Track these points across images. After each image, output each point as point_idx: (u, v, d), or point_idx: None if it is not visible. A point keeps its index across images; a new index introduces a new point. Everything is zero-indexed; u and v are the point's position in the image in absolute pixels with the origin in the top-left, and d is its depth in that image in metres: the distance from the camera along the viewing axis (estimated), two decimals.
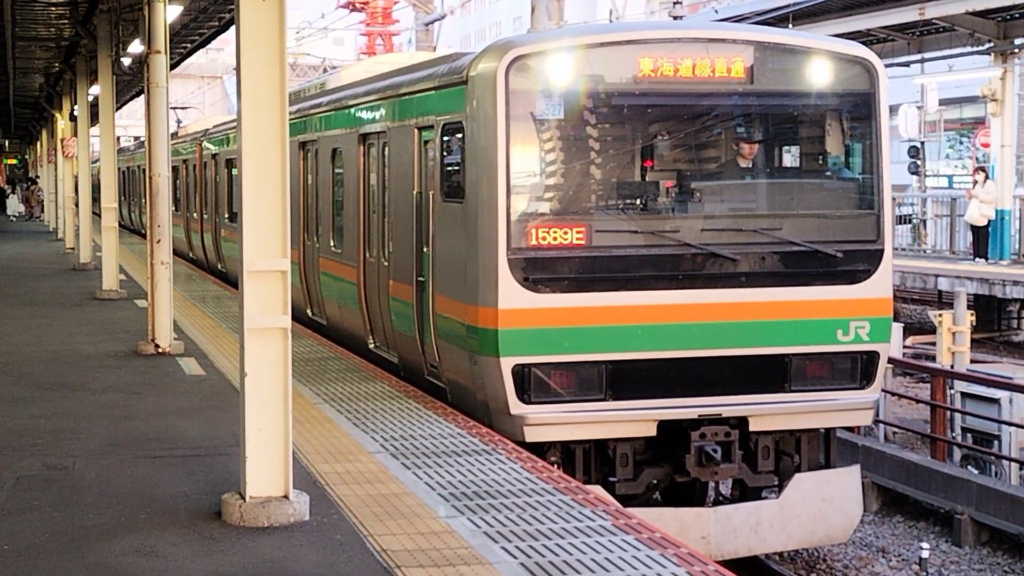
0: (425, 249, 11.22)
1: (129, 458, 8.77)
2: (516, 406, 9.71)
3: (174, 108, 38.14)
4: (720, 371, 10.07)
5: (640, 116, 10.47)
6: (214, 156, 24.29)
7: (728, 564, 8.28)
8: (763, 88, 10.46)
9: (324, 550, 6.66)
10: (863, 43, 12.46)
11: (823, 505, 10.35)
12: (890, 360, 13.81)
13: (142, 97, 18.24)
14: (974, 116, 47.21)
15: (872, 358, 10.44)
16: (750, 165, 10.68)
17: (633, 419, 9.88)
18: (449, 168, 10.74)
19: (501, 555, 6.52)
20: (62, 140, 31.78)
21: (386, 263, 12.45)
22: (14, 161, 71.35)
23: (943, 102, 37.08)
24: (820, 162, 11.23)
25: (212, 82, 79.38)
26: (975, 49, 28.11)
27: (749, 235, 10.28)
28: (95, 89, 23.58)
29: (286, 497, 7.15)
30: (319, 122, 15.52)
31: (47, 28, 25.28)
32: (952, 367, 15.84)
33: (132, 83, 34.22)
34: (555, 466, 9.18)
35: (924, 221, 32.24)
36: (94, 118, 32.70)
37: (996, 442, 14.51)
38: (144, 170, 16.24)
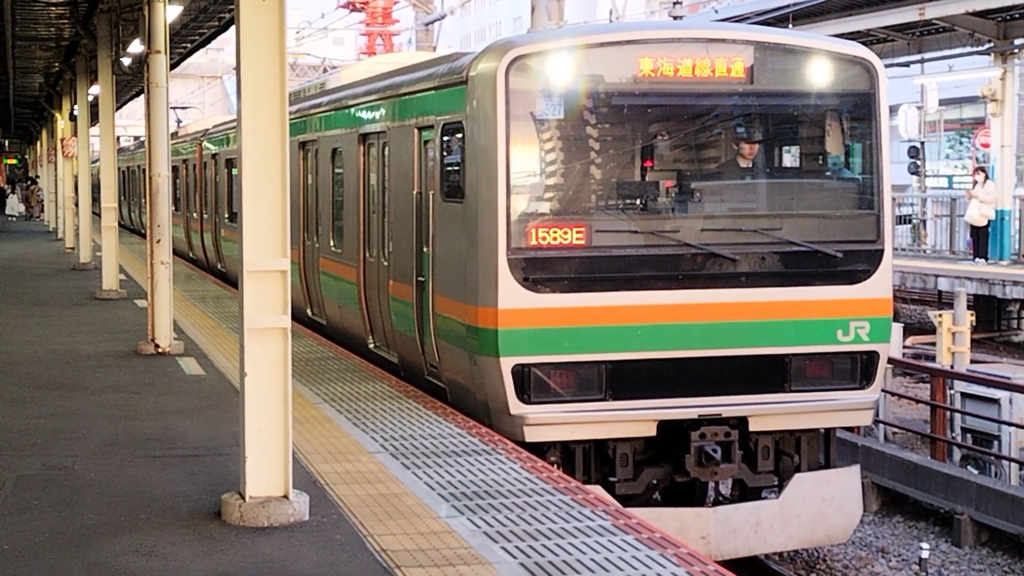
0: (425, 249, 11.22)
1: (129, 458, 8.77)
2: (516, 406, 9.71)
3: (174, 108, 38.14)
4: (720, 371, 10.07)
5: (640, 116, 10.47)
6: (214, 156, 24.28)
7: (728, 564, 8.27)
8: (763, 88, 10.47)
9: (324, 550, 6.65)
10: (863, 43, 12.46)
11: (823, 505, 10.35)
12: (890, 360, 13.81)
13: (142, 97, 18.25)
14: (974, 116, 47.21)
15: (872, 358, 10.44)
16: (750, 165, 10.68)
17: (633, 419, 9.88)
18: (449, 168, 10.74)
19: (501, 555, 6.52)
20: (62, 140, 31.79)
21: (386, 263, 12.45)
22: (14, 161, 71.34)
23: (943, 102, 37.08)
24: (820, 162, 11.23)
25: (212, 82, 79.39)
26: (975, 49, 28.12)
27: (749, 235, 10.28)
28: (95, 89, 23.58)
29: (286, 497, 7.15)
30: (319, 122, 15.52)
31: (47, 28, 25.29)
32: (952, 367, 15.85)
33: (132, 83, 34.23)
34: (555, 466, 9.18)
35: (924, 221, 32.26)
36: (94, 118, 32.71)
37: (996, 442, 14.51)
38: (144, 170, 16.25)
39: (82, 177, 24.47)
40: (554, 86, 9.86)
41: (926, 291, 27.84)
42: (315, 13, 64.18)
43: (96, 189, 25.66)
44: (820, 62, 10.45)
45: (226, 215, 22.54)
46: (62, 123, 34.35)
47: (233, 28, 8.76)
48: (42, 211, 51.25)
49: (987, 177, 27.03)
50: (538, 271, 9.73)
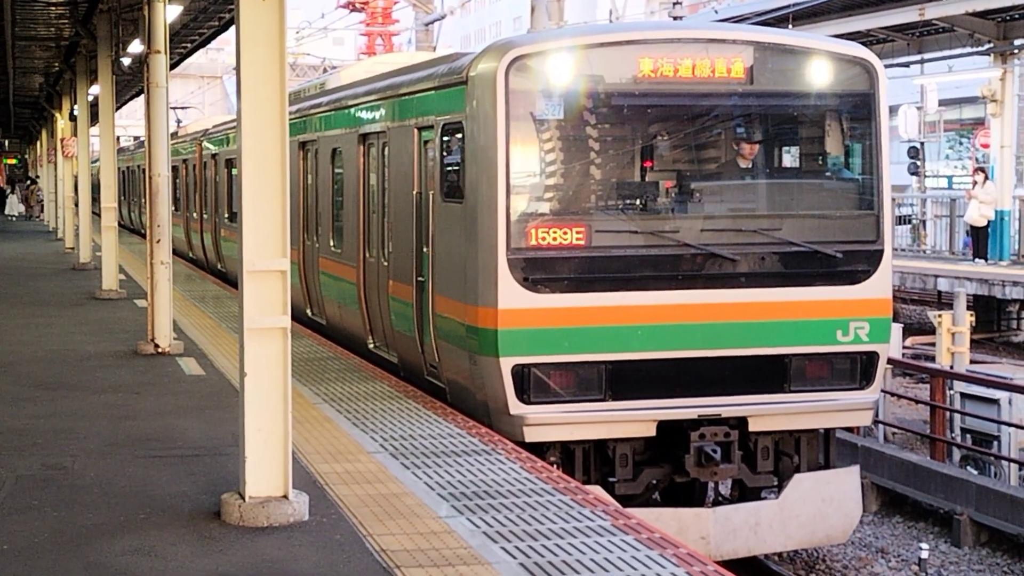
0: (425, 249, 11.22)
1: (128, 458, 8.77)
2: (516, 406, 9.71)
3: (174, 108, 38.13)
4: (720, 371, 10.07)
5: (640, 116, 10.47)
6: (214, 156, 24.28)
7: (727, 564, 8.27)
8: (763, 88, 10.47)
9: (323, 550, 6.66)
10: (863, 44, 12.47)
11: (822, 505, 10.35)
12: (890, 360, 13.81)
13: (142, 97, 18.24)
14: (974, 117, 47.21)
15: (872, 358, 10.44)
16: (750, 165, 10.68)
17: (632, 419, 9.88)
18: (449, 168, 10.74)
19: (500, 555, 6.52)
20: (62, 140, 31.79)
21: (386, 263, 12.45)
22: (14, 161, 71.31)
23: (943, 103, 37.07)
24: (820, 162, 11.23)
25: (212, 82, 79.39)
26: (975, 50, 28.11)
27: (749, 235, 10.28)
28: (95, 89, 23.58)
29: (285, 497, 7.15)
30: (319, 122, 15.52)
31: (47, 28, 25.28)
32: (951, 368, 15.85)
33: (132, 83, 34.22)
34: (554, 466, 9.18)
35: (924, 222, 32.26)
36: (94, 118, 32.71)
37: (995, 443, 14.52)
38: (144, 170, 16.25)
39: (82, 177, 24.47)
40: (554, 86, 9.86)
41: (926, 291, 27.84)
42: (315, 13, 64.23)
43: (96, 189, 25.66)
44: (820, 62, 10.45)
45: (226, 215, 22.54)
46: (62, 123, 34.35)
47: (233, 28, 8.76)
48: (42, 211, 51.25)
49: (987, 177, 27.03)
50: (538, 271, 9.73)
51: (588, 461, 10.03)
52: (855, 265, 10.40)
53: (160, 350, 13.64)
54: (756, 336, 10.12)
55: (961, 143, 50.24)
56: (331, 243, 14.73)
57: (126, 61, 24.12)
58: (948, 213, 30.76)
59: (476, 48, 10.92)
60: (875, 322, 10.42)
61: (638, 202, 10.29)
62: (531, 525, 7.06)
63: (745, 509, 10.19)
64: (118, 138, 32.02)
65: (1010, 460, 14.13)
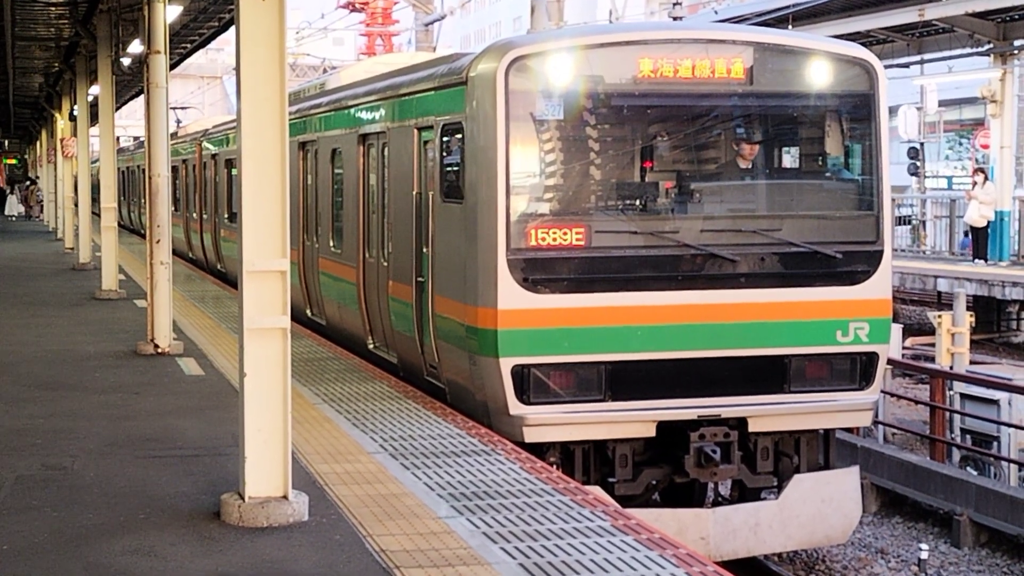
0: (424, 249, 11.22)
1: (128, 458, 8.77)
2: (515, 406, 9.71)
3: (174, 108, 38.14)
4: (719, 372, 10.07)
5: (640, 117, 10.47)
6: (214, 156, 24.28)
7: (727, 565, 8.28)
8: (763, 89, 10.47)
9: (323, 550, 6.66)
10: (863, 44, 12.47)
11: (822, 506, 10.35)
12: (889, 361, 13.81)
13: (142, 97, 18.24)
14: (974, 117, 47.18)
15: (871, 359, 10.44)
16: (750, 166, 10.68)
17: (632, 420, 9.88)
18: (449, 168, 10.74)
19: (500, 555, 6.52)
20: (62, 140, 31.79)
21: (385, 263, 12.45)
22: (14, 161, 71.34)
23: (943, 103, 37.06)
24: (820, 163, 11.23)
25: (212, 82, 79.40)
26: (975, 50, 28.10)
27: (748, 236, 10.28)
28: (95, 89, 23.58)
29: (285, 497, 7.15)
30: (319, 122, 15.52)
31: (47, 28, 25.28)
32: (951, 368, 15.85)
33: (132, 83, 34.21)
34: (554, 467, 9.18)
35: (923, 222, 32.25)
36: (94, 118, 32.71)
37: (995, 443, 14.52)
38: (144, 170, 16.25)
39: (82, 177, 24.47)
40: (554, 87, 9.87)
41: (925, 292, 27.84)
42: (315, 13, 64.18)
43: (96, 189, 25.66)
44: (820, 63, 10.45)
45: (226, 215, 22.54)
46: (62, 123, 34.35)
47: (233, 28, 8.76)
48: (41, 211, 51.25)
49: (986, 178, 27.02)
50: (537, 272, 9.73)
51: (588, 461, 10.03)
52: (855, 266, 10.40)
53: (160, 350, 13.64)
54: (756, 336, 10.12)
55: (961, 144, 50.24)
56: (331, 243, 14.73)
57: (126, 61, 24.12)
58: (948, 214, 30.75)
59: (476, 48, 10.92)
60: (875, 323, 10.43)
61: (638, 202, 10.29)
62: (531, 525, 7.06)
63: (745, 510, 10.19)
64: (118, 138, 32.02)
65: (1010, 461, 14.13)
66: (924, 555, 12.29)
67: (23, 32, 25.27)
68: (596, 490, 8.85)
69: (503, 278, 9.65)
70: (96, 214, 25.39)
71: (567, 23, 21.46)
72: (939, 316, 16.74)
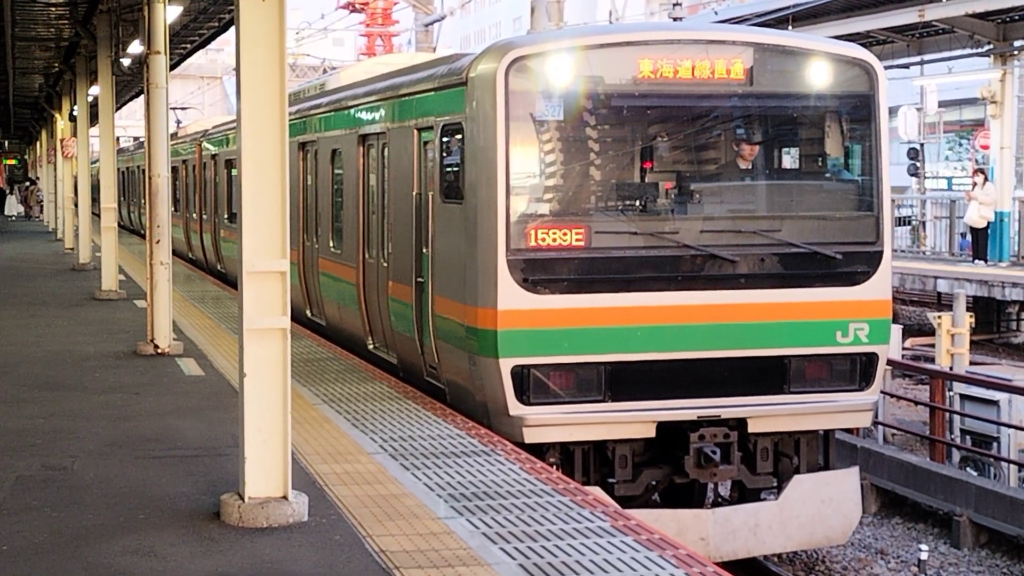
0: (424, 250, 11.22)
1: (128, 458, 8.77)
2: (515, 407, 9.71)
3: (174, 108, 38.15)
4: (719, 372, 10.07)
5: (640, 117, 10.47)
6: (214, 156, 24.29)
7: (727, 565, 8.28)
8: (762, 90, 10.47)
9: (323, 551, 6.66)
10: (863, 45, 12.47)
11: (822, 507, 10.35)
12: (889, 362, 13.82)
13: (142, 97, 18.24)
14: (973, 118, 47.19)
15: (871, 360, 10.44)
16: (749, 167, 10.68)
17: (632, 420, 9.88)
18: (448, 169, 10.74)
19: (500, 556, 6.52)
20: (62, 140, 31.80)
21: (385, 264, 12.45)
22: (14, 161, 71.31)
23: (942, 104, 37.09)
24: (819, 164, 11.23)
25: (212, 82, 79.39)
26: (975, 51, 28.09)
27: (748, 236, 10.28)
28: (95, 89, 23.58)
29: (285, 498, 7.15)
30: (319, 123, 15.52)
31: (47, 28, 25.28)
32: (951, 369, 15.85)
33: (132, 83, 34.22)
34: (554, 467, 9.18)
35: (923, 223, 32.25)
36: (94, 118, 32.72)
37: (995, 444, 14.52)
38: (144, 170, 16.25)
39: (82, 177, 24.47)
40: (554, 87, 9.87)
41: (925, 293, 27.85)
42: (315, 14, 64.14)
43: (96, 190, 25.66)
44: (819, 64, 10.45)
45: (226, 216, 22.54)
46: (62, 123, 34.36)
47: (233, 28, 8.76)
48: (41, 211, 51.25)
49: (986, 179, 27.02)
50: (537, 272, 9.73)
51: (588, 462, 10.03)
52: (855, 266, 10.41)
53: (160, 351, 13.64)
54: (756, 337, 10.12)
55: (961, 144, 50.24)
56: (331, 244, 14.73)
57: (126, 61, 24.13)
58: (948, 214, 30.75)
59: (476, 49, 10.92)
60: (875, 323, 10.42)
61: (638, 203, 10.29)
62: (530, 526, 7.06)
63: (744, 510, 10.19)
64: (118, 139, 32.02)
65: (1010, 461, 14.14)
66: (924, 556, 12.29)
67: (23, 32, 25.27)
68: (596, 491, 8.85)
69: (503, 279, 9.65)
70: (96, 214, 25.40)
71: (567, 23, 21.48)
72: (939, 317, 16.74)
